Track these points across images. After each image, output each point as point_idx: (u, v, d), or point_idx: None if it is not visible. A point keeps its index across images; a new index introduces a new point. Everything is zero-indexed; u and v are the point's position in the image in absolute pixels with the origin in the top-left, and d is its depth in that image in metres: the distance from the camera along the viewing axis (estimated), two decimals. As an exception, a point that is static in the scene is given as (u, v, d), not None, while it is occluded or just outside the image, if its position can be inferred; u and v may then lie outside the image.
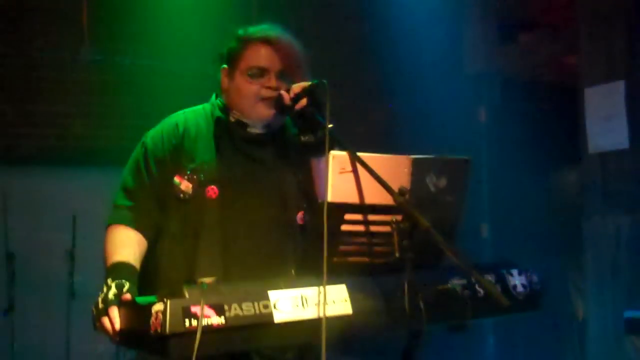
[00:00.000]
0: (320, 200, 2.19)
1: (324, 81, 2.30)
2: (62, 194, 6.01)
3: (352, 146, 2.04)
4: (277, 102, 2.45)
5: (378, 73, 6.43)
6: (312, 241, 2.11)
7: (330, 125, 2.16)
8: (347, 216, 2.04)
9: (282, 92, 2.43)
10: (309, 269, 2.05)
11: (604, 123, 4.43)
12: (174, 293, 1.82)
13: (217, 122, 2.55)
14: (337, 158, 1.99)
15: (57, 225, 5.94)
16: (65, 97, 6.16)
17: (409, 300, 1.95)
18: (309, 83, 2.36)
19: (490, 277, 2.29)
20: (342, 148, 2.04)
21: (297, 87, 2.39)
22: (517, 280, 2.37)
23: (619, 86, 4.36)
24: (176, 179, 2.46)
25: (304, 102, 2.36)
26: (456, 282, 2.20)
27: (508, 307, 1.88)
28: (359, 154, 2.01)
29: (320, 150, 2.22)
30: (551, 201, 5.77)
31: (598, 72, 4.49)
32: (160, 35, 6.17)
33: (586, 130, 4.54)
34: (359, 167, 2.00)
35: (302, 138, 2.38)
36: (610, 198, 4.44)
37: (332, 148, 2.04)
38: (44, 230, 6.00)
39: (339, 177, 1.99)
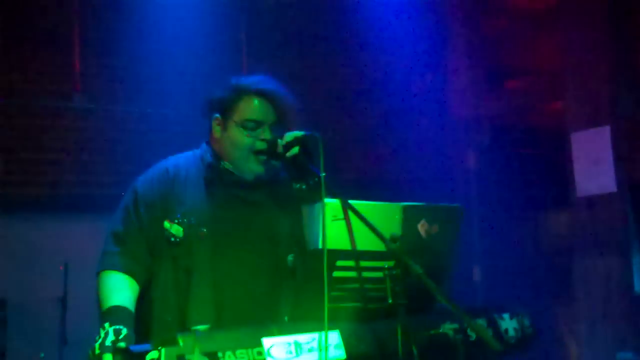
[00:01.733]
0: (309, 246, 2.22)
1: (317, 134, 2.33)
2: (54, 240, 6.00)
3: (343, 194, 2.07)
4: (270, 148, 2.48)
5: (366, 119, 6.48)
6: (303, 287, 2.13)
7: (323, 175, 2.18)
8: (339, 262, 2.06)
9: (278, 139, 2.45)
10: (300, 314, 2.07)
11: (591, 167, 4.48)
12: (168, 341, 1.83)
13: (209, 166, 2.56)
14: (329, 206, 2.02)
15: (49, 272, 5.90)
16: (57, 144, 6.17)
17: (402, 345, 1.97)
18: (302, 133, 2.39)
19: (481, 322, 2.31)
20: (334, 196, 2.07)
21: (289, 136, 2.42)
22: (508, 324, 2.39)
23: (605, 131, 4.41)
24: (166, 223, 2.46)
25: (295, 150, 2.38)
26: (448, 327, 2.22)
27: (500, 351, 1.90)
28: (350, 201, 2.04)
29: (311, 197, 2.25)
30: (541, 244, 5.80)
31: (584, 117, 4.55)
32: (152, 82, 6.22)
33: (574, 174, 4.58)
34: (351, 214, 2.03)
35: (295, 186, 2.40)
36: (600, 241, 4.46)
37: (324, 196, 2.07)
38: (36, 277, 5.96)
39: (331, 225, 2.02)
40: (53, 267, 5.86)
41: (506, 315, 2.41)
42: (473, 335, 2.23)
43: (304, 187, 2.36)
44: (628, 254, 4.38)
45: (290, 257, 2.50)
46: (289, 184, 2.49)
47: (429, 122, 5.95)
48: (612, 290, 4.40)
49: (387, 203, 2.13)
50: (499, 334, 2.34)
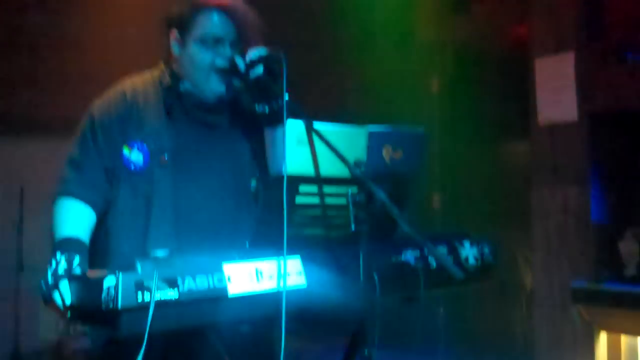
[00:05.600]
0: (272, 171, 2.18)
1: (281, 52, 2.24)
2: (8, 164, 5.88)
3: (308, 117, 2.01)
4: (232, 67, 2.40)
5: (330, 40, 6.39)
6: (265, 213, 2.10)
7: (286, 95, 2.12)
8: (302, 188, 2.03)
9: (238, 57, 2.37)
10: (262, 240, 2.04)
11: (553, 95, 4.47)
12: (126, 267, 1.79)
13: (168, 89, 2.47)
14: (293, 129, 1.97)
15: (4, 196, 5.81)
16: (11, 63, 5.99)
17: (363, 272, 1.96)
18: (265, 51, 2.31)
19: (442, 249, 2.31)
20: (298, 118, 2.01)
21: (253, 54, 2.33)
22: (468, 251, 2.40)
23: (569, 57, 4.39)
24: (126, 149, 2.39)
25: (259, 70, 2.31)
26: (410, 254, 2.22)
27: (461, 279, 1.89)
28: (315, 124, 1.99)
29: (275, 120, 2.19)
30: (501, 172, 5.83)
31: (548, 43, 4.52)
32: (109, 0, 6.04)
33: (536, 102, 4.58)
34: (316, 138, 1.98)
35: (258, 108, 2.33)
36: (559, 169, 4.50)
37: (288, 118, 2.01)
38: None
39: (295, 149, 1.97)
40: (8, 191, 5.77)
41: (467, 243, 2.41)
42: (434, 263, 2.23)
43: (266, 109, 2.30)
44: (586, 183, 4.42)
45: (253, 182, 2.47)
46: (251, 105, 2.43)
47: (394, 45, 5.88)
48: (569, 219, 4.46)
49: (352, 127, 2.09)
50: (459, 262, 2.35)
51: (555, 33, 4.48)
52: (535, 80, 4.57)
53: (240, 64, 2.34)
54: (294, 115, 2.05)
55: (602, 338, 4.24)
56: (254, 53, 2.31)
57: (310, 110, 2.04)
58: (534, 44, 4.63)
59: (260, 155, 2.44)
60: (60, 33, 6.05)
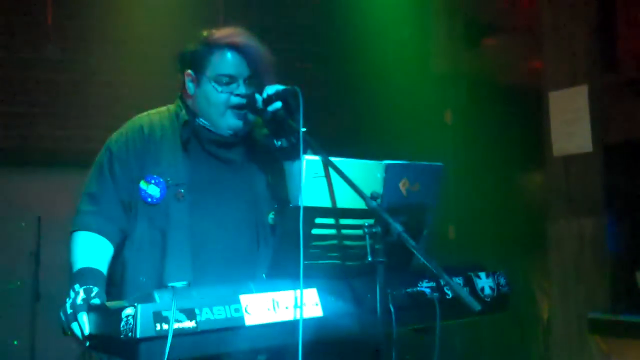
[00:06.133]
0: (292, 204, 2.20)
1: (297, 88, 2.28)
2: (26, 195, 5.94)
3: (325, 151, 2.04)
4: (249, 103, 2.44)
5: (344, 73, 6.44)
6: (281, 244, 2.12)
7: (303, 130, 2.15)
8: (319, 220, 2.05)
9: (256, 94, 2.42)
10: (278, 272, 2.06)
11: (567, 126, 4.48)
12: (145, 297, 1.81)
13: (185, 124, 2.51)
14: (310, 163, 2.00)
15: (21, 226, 5.85)
16: (30, 97, 6.07)
17: (380, 303, 1.97)
18: (282, 87, 2.35)
19: (458, 280, 2.32)
20: (315, 153, 2.04)
21: (270, 90, 2.37)
22: (484, 282, 2.40)
23: (583, 90, 4.41)
24: (143, 183, 2.42)
25: (277, 105, 2.34)
26: (425, 285, 2.23)
27: (478, 310, 1.90)
28: (332, 158, 2.01)
29: (292, 154, 2.22)
30: (516, 203, 5.83)
31: (562, 76, 4.54)
32: (126, 34, 6.11)
33: (550, 134, 4.59)
34: (332, 172, 2.00)
35: (276, 142, 2.37)
36: (574, 201, 4.49)
37: (305, 152, 2.04)
38: (8, 231, 5.91)
39: (312, 182, 1.99)
40: (26, 221, 5.81)
41: (482, 274, 2.42)
42: (450, 294, 2.24)
43: (284, 143, 2.34)
44: (601, 214, 4.41)
45: (271, 215, 2.49)
46: (267, 140, 2.46)
47: (407, 77, 5.92)
48: (585, 249, 4.44)
49: (369, 161, 2.11)
50: (475, 292, 2.35)
51: (568, 66, 4.50)
52: (549, 112, 4.58)
53: (258, 99, 2.38)
54: (311, 149, 2.08)
55: (620, 369, 4.21)
56: (270, 88, 2.36)
57: (326, 144, 2.07)
58: (547, 77, 4.65)
59: (278, 188, 2.47)
60: (78, 67, 6.13)
